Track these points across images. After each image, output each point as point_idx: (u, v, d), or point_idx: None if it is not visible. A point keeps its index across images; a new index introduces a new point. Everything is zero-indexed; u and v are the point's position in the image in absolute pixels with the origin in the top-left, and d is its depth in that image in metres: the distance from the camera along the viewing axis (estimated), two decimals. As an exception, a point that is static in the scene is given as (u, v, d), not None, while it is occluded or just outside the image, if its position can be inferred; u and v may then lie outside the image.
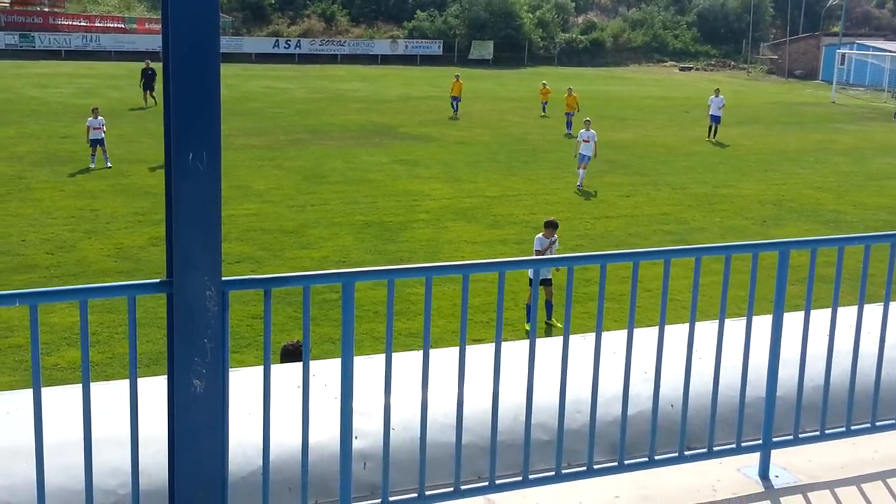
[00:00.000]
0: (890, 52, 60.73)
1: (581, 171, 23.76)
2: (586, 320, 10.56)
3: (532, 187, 23.60)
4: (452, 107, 37.81)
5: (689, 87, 57.89)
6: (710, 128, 33.49)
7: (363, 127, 33.70)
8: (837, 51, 60.71)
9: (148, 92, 36.17)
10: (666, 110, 42.72)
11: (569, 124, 33.52)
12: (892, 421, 4.26)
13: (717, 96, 33.82)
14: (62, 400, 3.91)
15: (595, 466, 3.74)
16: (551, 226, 14.24)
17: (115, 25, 62.56)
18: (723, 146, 32.03)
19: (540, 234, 14.28)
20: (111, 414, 3.53)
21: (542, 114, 38.68)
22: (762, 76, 70.99)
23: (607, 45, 75.44)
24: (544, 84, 40.78)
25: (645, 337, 4.07)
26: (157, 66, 30.27)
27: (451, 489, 3.51)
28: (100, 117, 24.49)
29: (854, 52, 62.60)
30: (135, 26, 62.77)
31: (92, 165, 23.93)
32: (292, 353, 7.61)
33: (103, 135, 24.32)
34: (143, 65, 37.75)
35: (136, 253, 16.73)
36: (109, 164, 24.21)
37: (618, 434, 3.77)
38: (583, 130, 24.57)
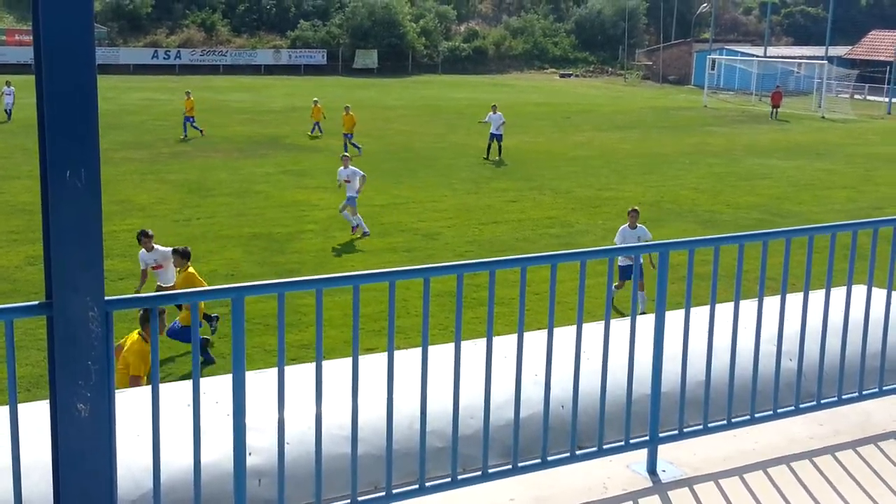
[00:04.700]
0: (757, 56, 63.43)
1: (345, 213, 19.23)
2: (477, 325, 10.67)
3: (419, 195, 23.69)
4: (184, 127, 33.07)
5: (569, 93, 59.16)
6: (489, 146, 29.64)
7: (248, 138, 33.21)
8: (708, 56, 62.94)
9: None
10: (548, 116, 43.51)
11: (346, 146, 29.57)
12: (769, 412, 4.45)
13: (494, 113, 30.06)
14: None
15: (490, 470, 3.79)
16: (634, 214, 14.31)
17: (-18, 37, 60.04)
18: (502, 164, 28.95)
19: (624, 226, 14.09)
20: (-10, 442, 3.38)
21: (311, 134, 34.36)
22: (638, 82, 73.09)
23: (489, 52, 76.50)
24: (316, 102, 35.47)
25: (534, 340, 4.15)
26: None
27: (348, 501, 3.51)
28: None
29: (724, 57, 65.09)
30: (3, 38, 60.35)
31: None
32: None
33: None
34: None
35: (12, 273, 16.05)
36: None
37: (511, 437, 3.83)
38: (341, 168, 19.83)
